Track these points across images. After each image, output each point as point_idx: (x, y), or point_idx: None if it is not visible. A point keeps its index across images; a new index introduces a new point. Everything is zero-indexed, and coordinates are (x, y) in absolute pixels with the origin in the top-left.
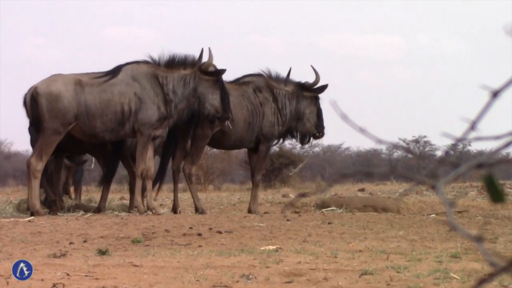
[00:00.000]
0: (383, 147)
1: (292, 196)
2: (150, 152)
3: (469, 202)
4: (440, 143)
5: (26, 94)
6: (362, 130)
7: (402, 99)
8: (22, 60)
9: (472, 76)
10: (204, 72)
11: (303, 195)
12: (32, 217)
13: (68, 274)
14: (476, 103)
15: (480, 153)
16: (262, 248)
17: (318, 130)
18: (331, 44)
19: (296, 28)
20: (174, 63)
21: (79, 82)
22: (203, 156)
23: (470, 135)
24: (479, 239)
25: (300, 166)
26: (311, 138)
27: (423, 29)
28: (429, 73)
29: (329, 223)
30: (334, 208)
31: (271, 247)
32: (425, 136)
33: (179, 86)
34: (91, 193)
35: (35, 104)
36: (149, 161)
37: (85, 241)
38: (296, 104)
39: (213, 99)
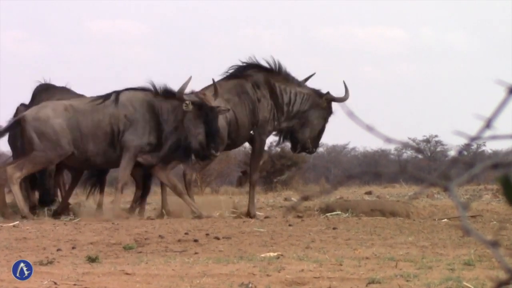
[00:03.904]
0: (391, 147)
1: (294, 199)
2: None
3: (484, 206)
4: (453, 143)
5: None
6: (369, 128)
7: (409, 96)
8: (1, 56)
9: (483, 71)
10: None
11: (305, 198)
12: (17, 222)
13: (55, 283)
14: (489, 99)
15: (496, 153)
16: (263, 255)
17: (313, 145)
18: (330, 37)
19: (294, 21)
20: (170, 93)
21: (71, 107)
22: None
23: (485, 134)
24: (494, 243)
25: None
26: (301, 149)
27: (426, 22)
28: (437, 68)
29: (334, 229)
30: (339, 212)
31: (272, 254)
32: (436, 136)
33: (170, 116)
34: (81, 197)
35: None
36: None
37: (73, 248)
38: (308, 108)
39: (197, 133)
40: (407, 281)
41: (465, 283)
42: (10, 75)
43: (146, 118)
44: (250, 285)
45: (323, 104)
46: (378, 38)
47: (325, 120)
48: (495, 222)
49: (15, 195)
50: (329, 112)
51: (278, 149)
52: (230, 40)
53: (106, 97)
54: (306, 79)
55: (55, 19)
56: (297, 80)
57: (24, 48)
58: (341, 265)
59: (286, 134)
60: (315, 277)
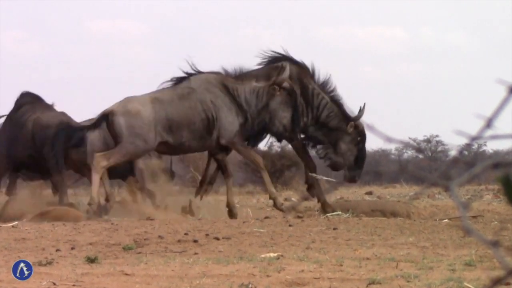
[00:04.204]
0: (392, 147)
1: (294, 199)
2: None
3: (485, 206)
4: (454, 142)
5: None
6: (370, 127)
7: (409, 96)
8: (1, 56)
9: (483, 71)
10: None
11: (306, 198)
12: (16, 222)
13: (54, 284)
14: (489, 99)
15: (497, 153)
16: (263, 256)
17: (351, 173)
18: (330, 37)
19: (294, 21)
20: (244, 75)
21: (156, 99)
22: (200, 158)
23: (486, 134)
24: (495, 243)
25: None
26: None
27: (426, 22)
28: (437, 68)
29: (334, 229)
30: (340, 212)
31: (272, 255)
32: (437, 136)
33: (252, 98)
34: (79, 197)
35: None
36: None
37: (72, 248)
38: (335, 127)
39: (283, 117)
40: (408, 281)
41: (466, 284)
42: (10, 75)
43: (226, 101)
44: (250, 286)
45: (348, 129)
46: (378, 38)
47: (359, 145)
48: (496, 223)
49: (93, 183)
50: (360, 136)
51: (278, 149)
52: (230, 40)
53: (179, 80)
54: (361, 111)
55: (55, 19)
56: (335, 95)
57: (24, 48)
58: (341, 265)
59: (320, 149)
60: (315, 277)
